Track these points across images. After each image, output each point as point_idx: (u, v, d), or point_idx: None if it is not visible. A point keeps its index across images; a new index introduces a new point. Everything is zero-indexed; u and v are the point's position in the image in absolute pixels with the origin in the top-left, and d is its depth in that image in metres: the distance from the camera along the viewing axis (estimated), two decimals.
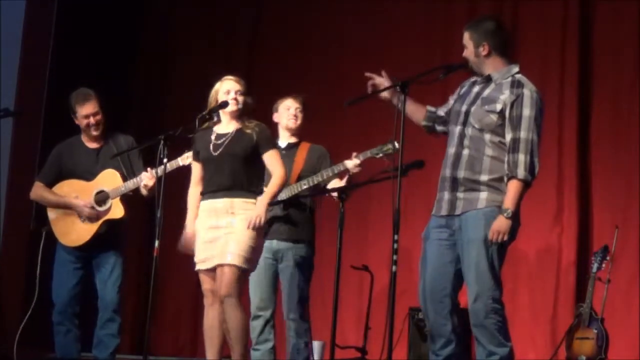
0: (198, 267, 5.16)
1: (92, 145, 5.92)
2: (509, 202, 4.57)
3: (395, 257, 4.41)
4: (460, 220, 4.64)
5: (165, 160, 5.21)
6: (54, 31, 7.92)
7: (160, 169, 5.30)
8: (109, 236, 5.83)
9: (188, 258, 5.25)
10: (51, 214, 5.93)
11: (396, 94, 4.74)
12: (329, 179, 5.65)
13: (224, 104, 5.17)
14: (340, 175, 5.64)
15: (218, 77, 5.32)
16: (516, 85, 4.70)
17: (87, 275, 5.91)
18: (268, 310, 5.66)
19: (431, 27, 7.65)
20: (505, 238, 4.55)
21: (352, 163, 5.51)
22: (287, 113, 5.83)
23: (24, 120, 7.52)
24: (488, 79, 4.77)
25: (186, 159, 5.55)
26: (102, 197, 5.79)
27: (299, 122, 5.84)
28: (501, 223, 4.55)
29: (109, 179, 5.80)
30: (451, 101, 4.90)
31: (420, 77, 4.62)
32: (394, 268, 4.40)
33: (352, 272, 6.92)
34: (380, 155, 5.46)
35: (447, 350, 4.68)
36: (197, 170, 5.28)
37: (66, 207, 5.84)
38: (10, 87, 7.54)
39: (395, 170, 4.47)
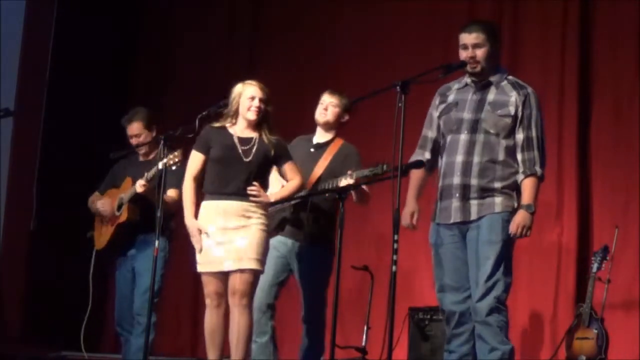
0: (204, 268, 5.13)
1: (144, 158, 6.07)
2: (530, 198, 4.65)
3: (395, 257, 4.41)
4: (476, 223, 4.67)
5: (165, 160, 5.32)
6: (54, 31, 7.93)
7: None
8: (125, 239, 5.94)
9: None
10: (96, 221, 6.11)
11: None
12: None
13: (225, 105, 5.19)
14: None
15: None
16: (519, 86, 4.77)
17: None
18: (264, 302, 5.52)
19: (431, 27, 7.65)
20: (529, 234, 4.60)
21: (345, 182, 5.40)
22: (320, 107, 5.71)
23: (24, 120, 7.52)
24: (487, 84, 4.78)
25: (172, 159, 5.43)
26: (119, 203, 5.93)
27: (328, 117, 5.64)
28: (526, 217, 4.62)
29: (126, 186, 5.93)
30: (435, 113, 4.90)
31: (420, 77, 4.62)
32: (394, 268, 4.40)
33: (352, 272, 6.92)
34: (371, 175, 5.34)
35: (464, 349, 4.71)
36: (199, 164, 5.21)
37: (95, 212, 6.06)
38: (10, 87, 7.54)
39: (395, 170, 4.47)
